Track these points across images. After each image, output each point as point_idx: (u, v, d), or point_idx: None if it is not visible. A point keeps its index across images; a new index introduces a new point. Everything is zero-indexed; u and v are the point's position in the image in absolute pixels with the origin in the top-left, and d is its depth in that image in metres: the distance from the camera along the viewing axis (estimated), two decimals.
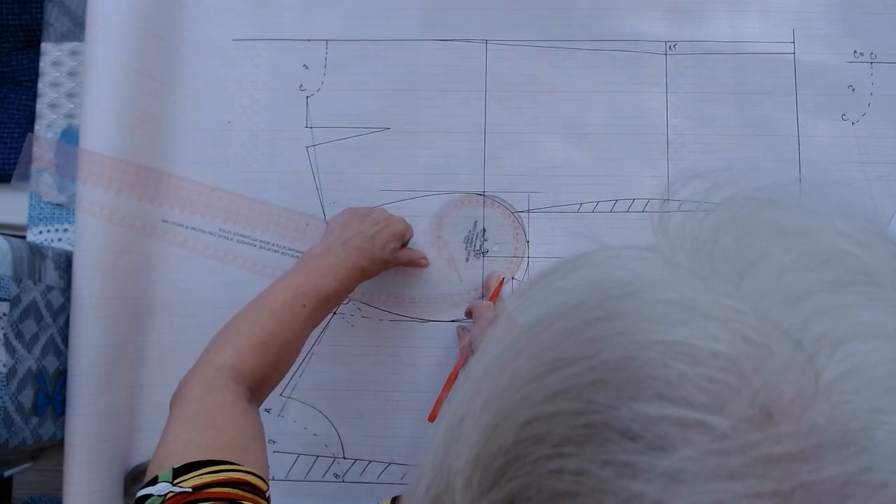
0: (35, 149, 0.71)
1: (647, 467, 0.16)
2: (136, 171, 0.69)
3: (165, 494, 0.40)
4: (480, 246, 0.72)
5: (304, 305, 0.56)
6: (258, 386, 0.53)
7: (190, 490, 0.40)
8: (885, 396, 0.16)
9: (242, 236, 0.72)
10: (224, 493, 0.41)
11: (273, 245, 0.72)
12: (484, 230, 0.72)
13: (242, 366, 0.51)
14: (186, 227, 0.72)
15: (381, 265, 0.64)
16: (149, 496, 0.41)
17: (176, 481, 0.41)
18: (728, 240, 0.20)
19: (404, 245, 0.69)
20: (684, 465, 0.16)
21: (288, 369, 0.57)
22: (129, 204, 0.69)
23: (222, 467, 0.42)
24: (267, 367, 0.53)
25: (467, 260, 0.72)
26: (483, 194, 0.72)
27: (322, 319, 0.60)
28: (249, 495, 0.42)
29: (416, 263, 0.70)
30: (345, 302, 0.71)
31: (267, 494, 0.44)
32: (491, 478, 0.18)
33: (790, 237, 0.20)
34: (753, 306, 0.18)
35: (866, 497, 0.16)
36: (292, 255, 0.72)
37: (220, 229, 0.72)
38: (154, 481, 0.42)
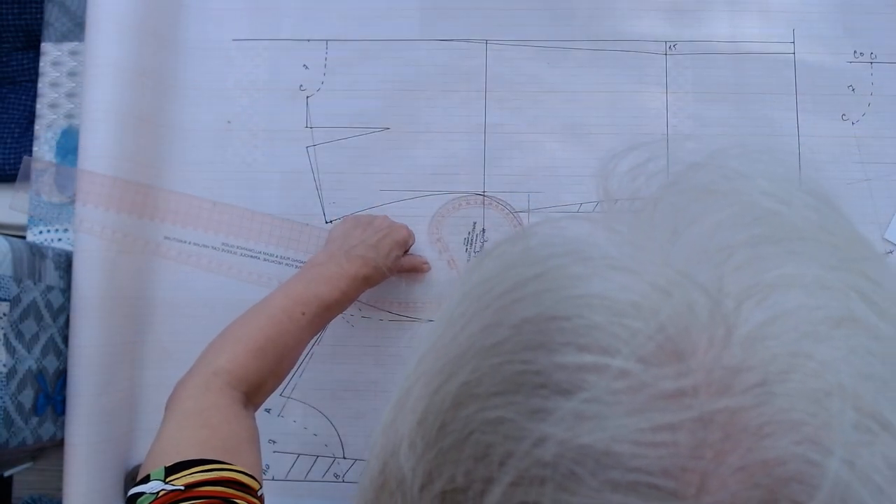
0: (33, 169, 0.71)
1: (554, 409, 0.17)
2: (136, 188, 0.69)
3: (157, 492, 0.41)
4: (480, 247, 0.72)
5: (303, 313, 0.56)
6: (254, 391, 0.53)
7: (182, 488, 0.41)
8: (803, 341, 0.17)
9: (246, 249, 0.72)
10: (216, 491, 0.41)
11: (276, 257, 0.72)
12: (483, 231, 0.72)
13: (239, 370, 0.51)
14: (189, 243, 0.72)
15: (384, 273, 0.64)
16: (140, 494, 0.41)
17: (168, 479, 0.41)
18: (665, 204, 0.21)
19: (406, 251, 0.69)
20: (588, 405, 0.16)
21: (285, 376, 0.57)
22: (129, 223, 0.69)
23: (214, 466, 0.43)
24: (263, 373, 0.53)
25: (468, 262, 0.72)
26: (483, 194, 0.72)
27: (322, 328, 0.60)
28: (241, 494, 0.42)
29: (418, 269, 0.70)
30: None
31: (259, 494, 0.44)
32: (430, 439, 0.19)
33: (722, 199, 0.21)
34: (680, 263, 0.19)
35: (783, 435, 0.16)
36: (296, 266, 0.72)
37: (222, 243, 0.72)
38: (146, 479, 0.42)
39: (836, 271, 0.19)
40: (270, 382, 0.55)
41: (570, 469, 0.16)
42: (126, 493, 0.68)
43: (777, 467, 0.16)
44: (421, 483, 0.19)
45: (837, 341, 0.17)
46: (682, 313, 0.17)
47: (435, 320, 0.22)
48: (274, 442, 0.70)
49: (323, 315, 0.59)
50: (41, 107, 0.74)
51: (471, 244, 0.72)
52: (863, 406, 0.16)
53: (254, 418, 0.51)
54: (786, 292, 0.18)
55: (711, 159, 0.22)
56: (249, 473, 0.44)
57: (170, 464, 0.42)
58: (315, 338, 0.70)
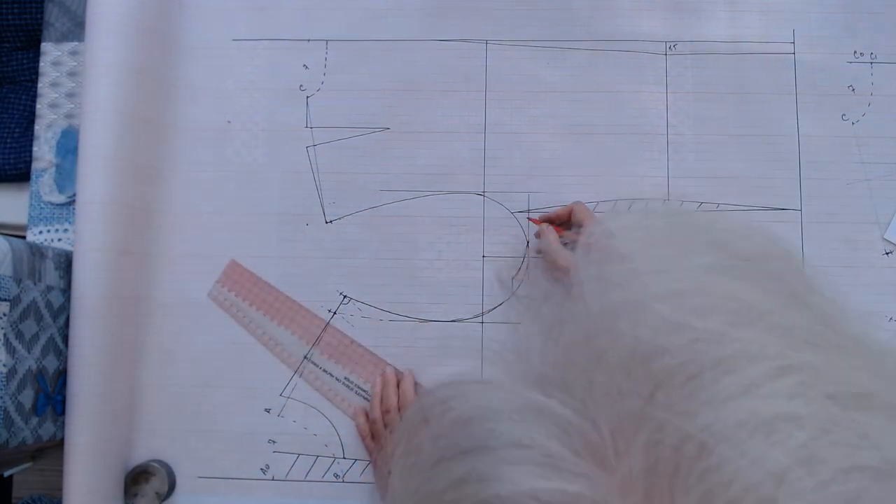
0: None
1: None
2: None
3: None
4: (481, 247, 0.72)
5: None
6: None
7: None
8: None
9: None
10: None
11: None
12: (484, 231, 0.72)
13: None
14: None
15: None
16: None
17: None
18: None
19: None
20: None
21: None
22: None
23: None
24: None
25: (468, 263, 0.72)
26: (483, 194, 0.72)
27: None
28: None
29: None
30: (345, 302, 0.72)
31: None
32: None
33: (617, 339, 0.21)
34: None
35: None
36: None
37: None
38: None
39: None
40: None
41: None
42: (126, 492, 0.68)
43: None
44: None
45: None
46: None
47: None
48: (274, 442, 0.70)
49: None
50: (41, 107, 0.74)
51: (470, 244, 0.72)
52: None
53: None
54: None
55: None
56: None
57: None
58: (315, 338, 0.71)
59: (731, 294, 0.20)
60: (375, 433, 0.68)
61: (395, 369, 0.71)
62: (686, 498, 0.16)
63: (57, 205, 0.72)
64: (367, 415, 0.70)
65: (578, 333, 0.21)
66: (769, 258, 0.22)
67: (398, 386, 0.69)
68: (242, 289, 0.72)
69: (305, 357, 0.71)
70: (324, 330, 0.71)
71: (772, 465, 0.16)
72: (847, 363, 0.18)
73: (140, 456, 0.70)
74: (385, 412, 0.68)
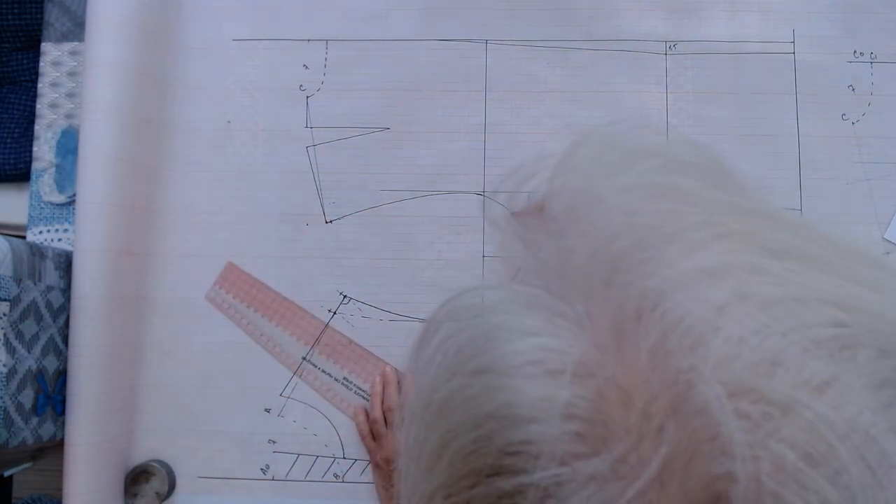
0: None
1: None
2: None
3: None
4: (481, 247, 0.72)
5: None
6: None
7: None
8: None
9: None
10: None
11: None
12: (483, 231, 0.72)
13: None
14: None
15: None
16: None
17: None
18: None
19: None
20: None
21: None
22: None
23: None
24: None
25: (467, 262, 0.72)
26: (483, 194, 0.72)
27: None
28: None
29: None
30: (345, 302, 0.72)
31: None
32: None
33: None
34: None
35: (698, 462, 0.18)
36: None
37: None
38: None
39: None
40: None
41: None
42: (126, 492, 0.68)
43: (709, 486, 0.18)
44: None
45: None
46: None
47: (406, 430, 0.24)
48: (274, 442, 0.70)
49: None
50: (41, 107, 0.74)
51: (470, 244, 0.72)
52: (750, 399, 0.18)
53: None
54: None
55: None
56: None
57: None
58: (315, 339, 0.71)
59: (675, 184, 0.23)
60: (376, 433, 0.68)
61: (395, 369, 0.71)
62: (648, 338, 0.19)
63: (57, 205, 0.72)
64: (367, 414, 0.70)
65: (550, 241, 0.25)
66: (706, 159, 0.26)
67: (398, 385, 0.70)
68: (240, 291, 0.72)
69: (304, 358, 0.71)
70: (322, 331, 0.71)
71: (714, 300, 0.19)
72: (773, 227, 0.22)
73: (140, 456, 0.70)
74: (387, 411, 0.68)
